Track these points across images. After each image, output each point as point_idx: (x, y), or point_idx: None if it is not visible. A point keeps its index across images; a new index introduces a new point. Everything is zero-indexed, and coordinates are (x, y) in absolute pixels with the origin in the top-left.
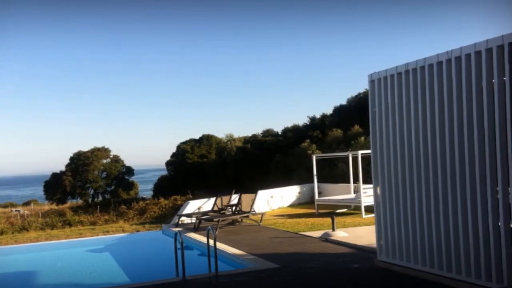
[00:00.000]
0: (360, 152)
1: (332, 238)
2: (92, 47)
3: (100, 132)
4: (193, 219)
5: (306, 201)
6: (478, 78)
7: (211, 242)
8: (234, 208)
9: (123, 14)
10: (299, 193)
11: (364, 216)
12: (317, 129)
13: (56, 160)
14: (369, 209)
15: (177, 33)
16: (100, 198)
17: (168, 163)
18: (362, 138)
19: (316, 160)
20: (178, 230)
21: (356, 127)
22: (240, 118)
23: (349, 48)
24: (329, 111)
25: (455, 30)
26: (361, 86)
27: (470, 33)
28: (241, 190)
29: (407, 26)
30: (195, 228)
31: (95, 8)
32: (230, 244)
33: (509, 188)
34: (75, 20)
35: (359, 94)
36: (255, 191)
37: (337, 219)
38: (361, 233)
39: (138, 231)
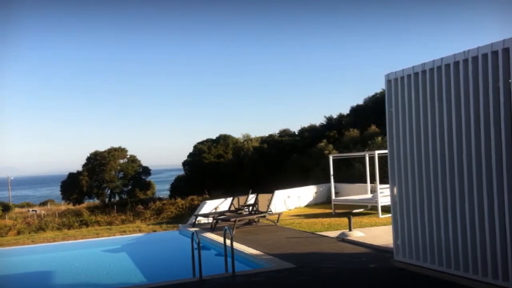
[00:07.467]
0: (377, 152)
1: (348, 238)
2: (109, 48)
3: (117, 132)
4: (210, 219)
5: (322, 201)
6: (495, 78)
7: (228, 242)
8: (251, 208)
9: (141, 15)
10: (315, 193)
11: (380, 216)
12: (334, 129)
13: (73, 160)
14: (385, 209)
15: (195, 34)
16: (117, 198)
17: (184, 163)
18: (379, 138)
19: (333, 160)
20: (195, 230)
21: (373, 127)
22: (257, 118)
23: (366, 49)
24: (346, 111)
25: (472, 30)
26: (378, 86)
27: (487, 33)
28: (257, 190)
29: (424, 26)
30: (212, 228)
31: (113, 9)
32: (247, 244)
33: None
34: (94, 21)
35: (376, 94)
36: (271, 191)
37: (353, 219)
38: (378, 233)
39: (155, 231)
